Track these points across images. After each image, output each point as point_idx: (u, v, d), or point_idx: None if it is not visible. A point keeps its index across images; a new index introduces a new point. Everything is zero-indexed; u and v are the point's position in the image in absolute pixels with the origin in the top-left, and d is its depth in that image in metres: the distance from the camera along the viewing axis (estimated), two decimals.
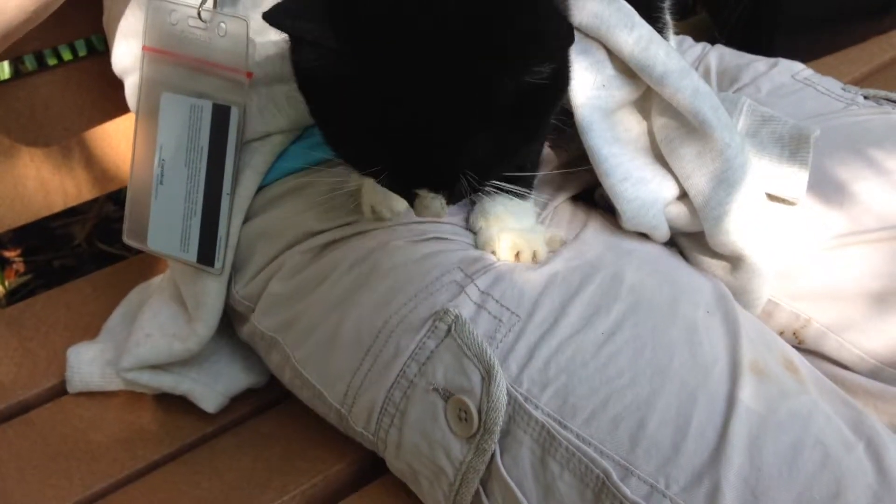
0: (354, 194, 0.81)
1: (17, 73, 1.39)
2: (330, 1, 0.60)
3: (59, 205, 1.05)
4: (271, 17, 0.60)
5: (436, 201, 0.66)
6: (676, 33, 1.09)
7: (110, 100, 1.04)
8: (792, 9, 1.38)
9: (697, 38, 1.54)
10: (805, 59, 1.50)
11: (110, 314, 1.01)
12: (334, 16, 0.59)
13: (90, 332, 1.01)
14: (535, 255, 0.77)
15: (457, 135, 0.61)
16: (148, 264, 1.10)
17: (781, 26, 1.40)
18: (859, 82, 1.36)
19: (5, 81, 1.03)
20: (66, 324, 1.03)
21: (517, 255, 0.77)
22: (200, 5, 0.81)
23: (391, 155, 0.62)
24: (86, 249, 1.99)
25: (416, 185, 0.65)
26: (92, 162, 1.06)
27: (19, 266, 1.96)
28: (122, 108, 1.01)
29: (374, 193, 0.78)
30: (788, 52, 1.47)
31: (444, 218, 0.70)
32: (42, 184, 1.03)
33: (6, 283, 1.87)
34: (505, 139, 0.63)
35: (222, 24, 0.81)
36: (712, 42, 1.45)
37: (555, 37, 0.62)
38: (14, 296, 1.89)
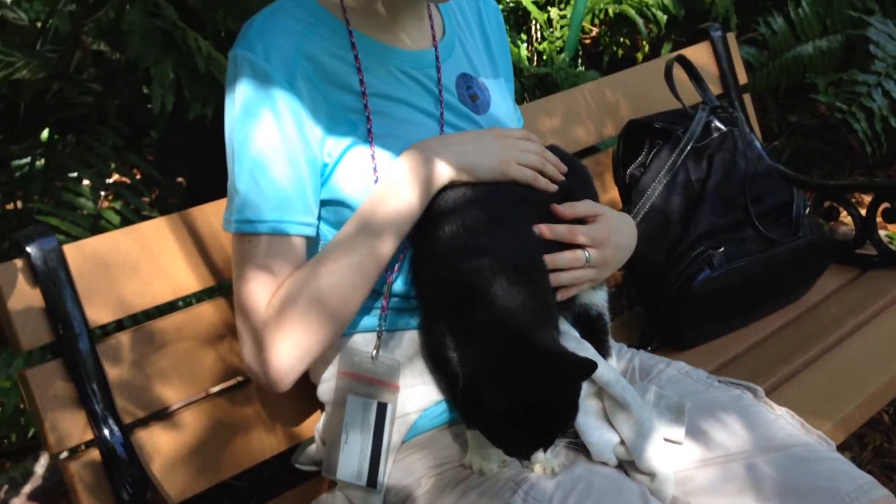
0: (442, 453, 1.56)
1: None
2: (487, 377, 1.34)
3: (266, 455, 1.76)
4: (472, 387, 1.37)
5: (542, 454, 1.39)
6: (616, 340, 1.87)
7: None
8: (695, 310, 2.12)
9: (635, 327, 2.29)
10: (708, 338, 2.20)
11: None
12: (491, 382, 1.34)
13: None
14: (553, 471, 1.48)
15: (556, 423, 1.37)
16: (315, 488, 1.80)
17: (688, 321, 2.14)
18: (728, 364, 2.11)
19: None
20: None
21: (544, 470, 1.48)
22: (372, 353, 1.57)
23: (527, 440, 1.36)
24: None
25: (537, 449, 1.38)
26: (282, 424, 1.79)
27: None
28: (312, 399, 1.75)
29: (481, 462, 1.49)
30: (696, 335, 2.19)
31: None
32: (260, 440, 1.75)
33: None
34: (570, 414, 1.39)
35: (383, 363, 1.56)
36: (645, 333, 2.23)
37: (586, 372, 1.38)
38: None
